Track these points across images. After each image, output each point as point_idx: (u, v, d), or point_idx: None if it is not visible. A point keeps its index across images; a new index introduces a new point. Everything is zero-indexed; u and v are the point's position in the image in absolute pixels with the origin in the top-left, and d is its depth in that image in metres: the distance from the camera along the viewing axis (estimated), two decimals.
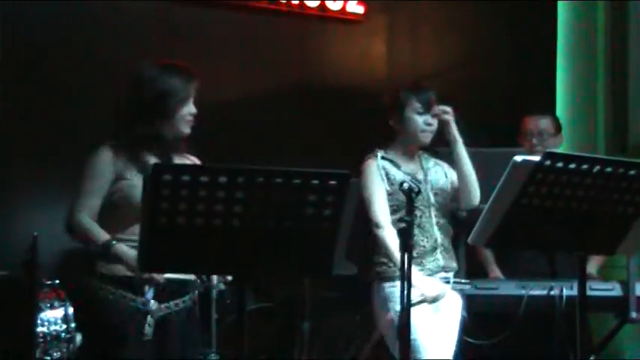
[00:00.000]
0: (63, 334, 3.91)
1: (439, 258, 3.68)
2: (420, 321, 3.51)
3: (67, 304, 3.96)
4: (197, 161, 3.50)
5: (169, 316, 3.31)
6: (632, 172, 2.81)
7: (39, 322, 3.83)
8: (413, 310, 3.38)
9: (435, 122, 3.75)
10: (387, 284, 3.69)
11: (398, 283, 3.61)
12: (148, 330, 3.25)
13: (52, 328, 3.90)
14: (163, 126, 3.36)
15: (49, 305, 3.92)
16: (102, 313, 3.31)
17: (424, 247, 3.66)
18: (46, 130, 5.01)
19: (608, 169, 2.78)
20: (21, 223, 4.85)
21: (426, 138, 3.77)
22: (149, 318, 3.25)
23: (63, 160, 4.96)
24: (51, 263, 4.52)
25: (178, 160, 3.43)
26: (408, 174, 3.72)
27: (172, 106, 3.34)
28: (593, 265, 4.43)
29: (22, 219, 4.90)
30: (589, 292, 3.11)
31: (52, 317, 3.91)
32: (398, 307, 3.56)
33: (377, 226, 3.66)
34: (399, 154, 3.81)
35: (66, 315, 3.93)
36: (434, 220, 3.71)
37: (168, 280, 3.26)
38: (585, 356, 3.08)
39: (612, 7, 5.95)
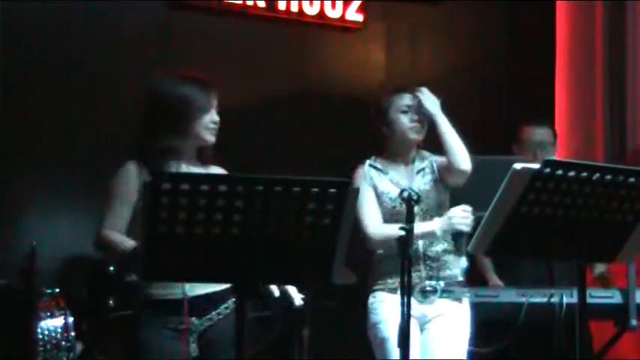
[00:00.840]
0: (63, 343, 3.91)
1: (421, 269, 3.61)
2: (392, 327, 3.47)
3: (67, 312, 3.97)
4: (221, 171, 3.45)
5: (212, 328, 3.29)
6: (631, 180, 2.81)
7: (39, 330, 3.84)
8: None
9: (423, 120, 3.72)
10: (370, 295, 3.73)
11: (377, 294, 3.67)
12: (192, 347, 3.23)
13: (52, 336, 3.90)
14: (186, 136, 3.33)
15: (49, 314, 3.92)
16: (142, 336, 3.26)
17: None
18: (46, 138, 5.02)
19: (608, 177, 2.78)
20: (20, 231, 4.85)
21: (415, 134, 3.73)
22: (191, 336, 3.24)
23: (63, 168, 4.97)
24: (51, 272, 4.52)
25: (201, 171, 3.38)
26: (394, 182, 3.69)
27: (192, 114, 3.31)
28: (600, 265, 4.40)
29: (22, 227, 4.90)
30: (589, 300, 3.11)
31: (52, 326, 3.91)
32: (376, 318, 3.66)
33: (365, 237, 3.65)
34: (391, 159, 3.78)
35: (66, 324, 3.94)
36: None
37: (198, 296, 3.25)
38: None
39: (610, 7, 5.95)
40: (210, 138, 3.38)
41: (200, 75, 3.41)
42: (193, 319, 3.25)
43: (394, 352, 3.46)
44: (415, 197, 3.27)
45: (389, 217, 3.69)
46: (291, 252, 2.60)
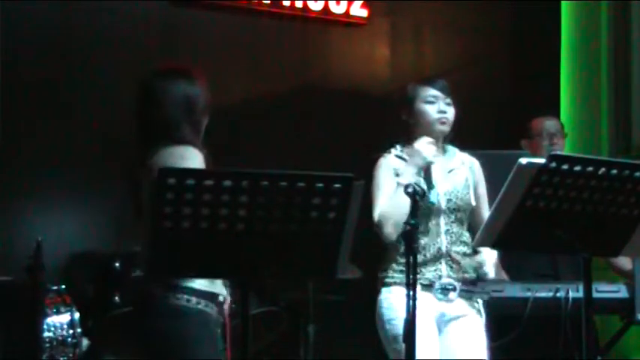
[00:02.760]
0: (69, 339, 3.92)
1: (441, 268, 3.53)
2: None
3: (73, 309, 3.98)
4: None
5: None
6: (637, 174, 2.80)
7: (45, 327, 3.85)
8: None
9: (449, 110, 3.60)
10: (383, 289, 3.60)
11: (393, 289, 3.55)
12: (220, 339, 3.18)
13: (58, 333, 3.91)
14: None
15: (55, 310, 3.93)
16: (176, 322, 3.12)
17: (425, 255, 3.50)
18: (51, 134, 5.02)
19: (614, 171, 2.78)
20: (25, 227, 4.86)
21: (443, 127, 3.60)
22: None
23: (67, 164, 4.98)
24: (56, 268, 4.53)
25: None
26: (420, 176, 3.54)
27: (201, 115, 3.26)
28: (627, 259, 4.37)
29: (27, 224, 4.90)
30: (595, 294, 3.11)
31: (58, 322, 3.92)
32: (392, 314, 3.54)
33: (377, 226, 3.51)
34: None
35: (72, 320, 3.94)
36: (442, 227, 3.55)
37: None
38: (591, 358, 3.07)
39: (615, 7, 5.95)
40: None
41: (190, 68, 3.36)
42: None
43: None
44: (420, 192, 3.20)
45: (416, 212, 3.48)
46: (296, 247, 2.60)
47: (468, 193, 3.64)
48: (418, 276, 3.43)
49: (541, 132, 4.63)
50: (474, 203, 3.64)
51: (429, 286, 3.52)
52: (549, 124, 4.66)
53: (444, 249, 3.55)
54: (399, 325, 3.43)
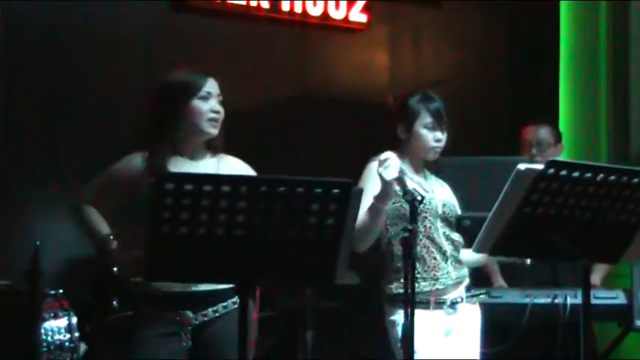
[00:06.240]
0: (67, 344, 3.91)
1: (450, 270, 3.56)
2: (427, 344, 3.41)
3: (71, 313, 3.97)
4: (239, 162, 3.50)
5: (208, 323, 3.27)
6: (635, 181, 2.80)
7: (42, 331, 3.84)
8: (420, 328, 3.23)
9: (445, 137, 3.64)
10: (398, 308, 3.53)
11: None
12: (185, 340, 3.22)
13: (56, 337, 3.91)
14: (186, 124, 3.30)
15: (52, 315, 3.93)
16: (135, 327, 3.27)
17: (435, 258, 3.53)
18: (49, 138, 5.02)
19: (612, 178, 2.78)
20: (24, 232, 4.85)
21: (435, 155, 3.65)
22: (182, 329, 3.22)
23: (67, 168, 4.97)
24: (54, 272, 4.52)
25: (211, 162, 3.39)
26: (416, 182, 3.49)
27: (182, 100, 3.27)
28: (597, 275, 4.43)
29: (25, 228, 4.89)
30: (593, 301, 3.11)
31: (56, 327, 3.92)
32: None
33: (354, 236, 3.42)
34: (406, 163, 3.63)
35: (69, 324, 3.94)
36: (441, 231, 3.58)
37: (195, 291, 3.23)
38: None
39: (614, 7, 5.95)
40: (212, 130, 3.36)
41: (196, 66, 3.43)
42: (187, 312, 3.23)
43: None
44: (419, 197, 3.20)
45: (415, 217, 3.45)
46: (295, 252, 2.60)
47: (455, 204, 3.70)
48: (433, 281, 3.50)
49: (526, 141, 4.66)
50: (459, 212, 3.69)
51: (440, 304, 3.53)
52: (534, 133, 4.67)
53: (448, 252, 3.58)
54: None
